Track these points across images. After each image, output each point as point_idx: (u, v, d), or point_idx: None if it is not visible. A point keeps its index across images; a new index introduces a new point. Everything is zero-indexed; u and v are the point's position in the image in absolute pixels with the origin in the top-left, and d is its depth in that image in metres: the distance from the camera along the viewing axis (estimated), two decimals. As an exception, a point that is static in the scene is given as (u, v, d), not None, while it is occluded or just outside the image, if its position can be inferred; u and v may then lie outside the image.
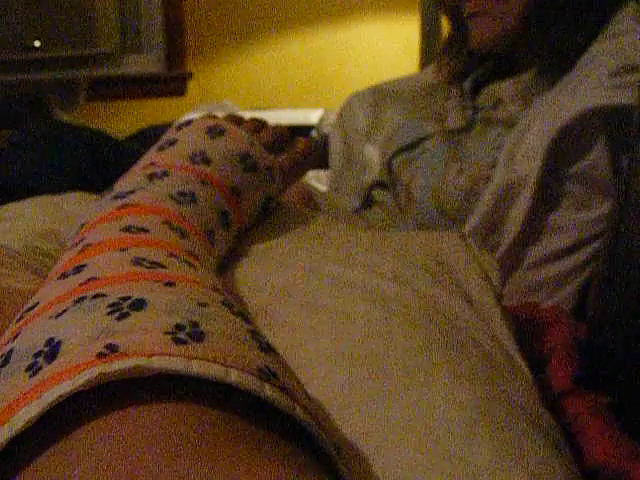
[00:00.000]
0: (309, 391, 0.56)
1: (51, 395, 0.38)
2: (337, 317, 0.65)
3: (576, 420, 0.69)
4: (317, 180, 1.82)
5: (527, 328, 0.91)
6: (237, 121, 0.96)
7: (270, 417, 0.41)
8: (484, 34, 1.39)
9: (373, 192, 1.54)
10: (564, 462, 0.52)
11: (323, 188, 1.73)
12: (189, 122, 0.92)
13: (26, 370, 0.41)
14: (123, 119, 3.87)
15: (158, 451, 0.36)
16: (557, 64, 1.32)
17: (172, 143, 0.88)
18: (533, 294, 1.23)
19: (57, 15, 3.92)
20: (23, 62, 4.01)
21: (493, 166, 1.28)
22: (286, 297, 0.70)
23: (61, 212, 0.98)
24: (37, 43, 3.94)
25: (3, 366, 0.43)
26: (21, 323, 0.48)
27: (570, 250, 1.22)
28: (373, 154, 1.56)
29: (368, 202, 1.55)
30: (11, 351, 0.44)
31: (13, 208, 1.00)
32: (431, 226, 1.35)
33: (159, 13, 4.04)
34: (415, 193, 1.39)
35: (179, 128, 0.92)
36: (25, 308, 0.52)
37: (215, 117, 0.94)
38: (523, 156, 1.23)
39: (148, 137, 0.98)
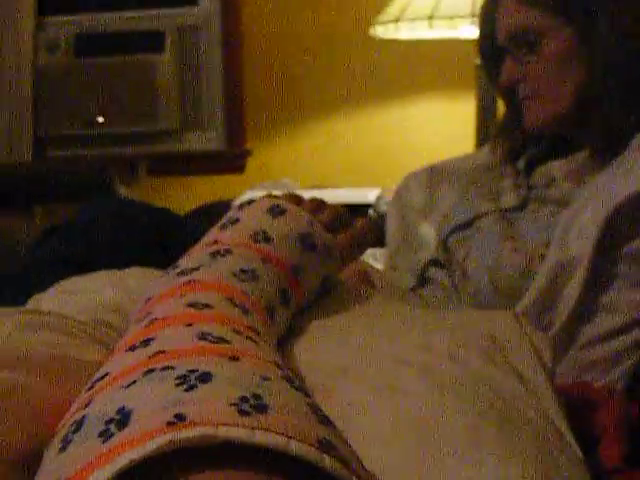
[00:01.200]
0: (368, 466, 0.58)
1: (123, 459, 0.40)
2: (393, 395, 0.66)
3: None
4: (374, 258, 1.84)
5: (578, 407, 0.91)
6: (297, 201, 0.98)
7: None
8: (538, 116, 1.42)
9: (429, 270, 1.55)
10: None
11: (380, 266, 1.75)
12: (251, 202, 0.95)
13: (99, 436, 0.43)
14: (182, 195, 3.92)
15: None
16: (610, 145, 1.34)
17: (234, 222, 0.91)
18: (586, 373, 1.23)
19: (120, 92, 4.01)
20: (86, 137, 4.09)
21: (547, 245, 1.29)
22: (343, 375, 0.71)
23: (126, 287, 1.00)
24: (100, 119, 4.02)
25: (76, 432, 0.45)
26: (92, 392, 0.51)
27: (623, 330, 1.22)
28: (429, 232, 1.58)
29: (424, 280, 1.56)
30: (83, 418, 0.46)
31: (77, 281, 1.03)
32: (486, 304, 1.36)
33: (219, 91, 4.11)
34: (470, 271, 1.41)
35: (241, 207, 0.94)
36: (95, 378, 0.54)
37: (276, 197, 0.96)
38: (577, 236, 1.24)
39: (208, 214, 1.02)
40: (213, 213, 1.09)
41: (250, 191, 2.66)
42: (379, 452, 0.60)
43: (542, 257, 1.29)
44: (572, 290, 1.23)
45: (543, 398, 0.70)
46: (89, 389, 0.53)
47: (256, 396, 0.46)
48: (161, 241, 1.35)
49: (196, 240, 0.92)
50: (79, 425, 0.46)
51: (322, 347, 0.80)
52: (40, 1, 4.02)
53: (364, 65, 3.96)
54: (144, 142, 4.13)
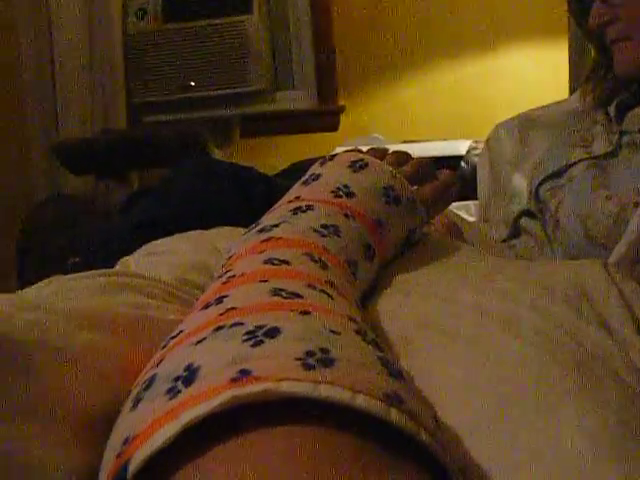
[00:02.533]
0: (442, 416, 0.57)
1: (188, 416, 0.40)
2: (472, 344, 0.66)
3: None
4: (466, 211, 1.83)
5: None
6: (380, 154, 0.97)
7: (399, 442, 0.42)
8: (628, 60, 1.38)
9: (521, 221, 1.53)
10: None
11: (472, 219, 1.73)
12: (333, 157, 0.94)
13: (166, 393, 0.44)
14: (277, 155, 3.93)
15: (288, 471, 0.38)
16: None
17: (316, 178, 0.91)
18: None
19: (210, 55, 4.03)
20: (179, 102, 4.13)
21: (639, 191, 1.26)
22: (424, 326, 0.71)
23: (212, 246, 1.01)
24: (192, 83, 4.05)
25: (146, 390, 0.46)
26: (165, 350, 0.51)
27: None
28: (521, 182, 1.56)
29: (516, 231, 1.54)
30: (154, 376, 0.47)
31: (164, 243, 1.04)
32: (579, 253, 1.33)
33: (310, 49, 4.11)
34: (563, 221, 1.38)
35: (323, 163, 0.94)
36: (170, 336, 0.55)
37: (358, 151, 0.96)
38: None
39: (298, 172, 1.01)
40: (303, 171, 1.09)
41: (340, 147, 2.65)
42: (457, 404, 0.59)
43: (637, 204, 1.26)
44: (667, 238, 1.20)
45: (631, 350, 0.68)
46: (163, 347, 0.53)
47: (323, 350, 0.46)
48: (250, 200, 1.35)
49: (284, 198, 0.92)
50: (149, 383, 0.47)
51: (406, 299, 0.79)
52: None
53: (455, 16, 3.92)
54: (236, 104, 4.15)
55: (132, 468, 0.40)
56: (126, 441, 0.43)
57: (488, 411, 0.57)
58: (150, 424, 0.42)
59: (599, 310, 0.73)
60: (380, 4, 4.03)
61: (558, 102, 1.75)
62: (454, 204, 1.78)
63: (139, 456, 0.40)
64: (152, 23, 4.09)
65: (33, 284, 0.79)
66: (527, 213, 1.52)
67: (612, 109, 1.50)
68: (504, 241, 1.53)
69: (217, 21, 4.02)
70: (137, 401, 0.46)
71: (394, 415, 0.42)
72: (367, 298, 0.82)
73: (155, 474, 0.41)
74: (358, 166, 0.91)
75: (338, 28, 4.11)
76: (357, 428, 0.42)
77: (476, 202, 1.78)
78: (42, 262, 2.41)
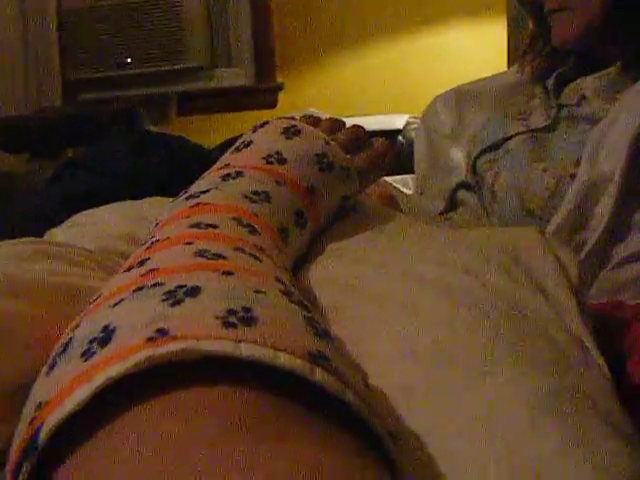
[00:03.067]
0: (374, 384, 0.56)
1: (100, 378, 0.39)
2: (403, 310, 0.65)
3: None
4: (404, 185, 1.81)
5: (610, 325, 0.89)
6: (314, 122, 0.96)
7: (325, 402, 0.41)
8: (566, 30, 1.37)
9: (458, 194, 1.53)
10: (634, 457, 0.51)
11: (409, 192, 1.72)
12: (265, 123, 0.93)
13: (81, 356, 0.42)
14: (215, 133, 3.89)
15: (203, 433, 0.37)
16: (640, 58, 1.31)
17: (247, 144, 0.89)
18: (620, 292, 1.20)
19: (147, 32, 3.98)
20: (115, 79, 4.08)
21: (577, 164, 1.26)
22: (355, 292, 0.70)
23: (140, 216, 0.99)
24: (128, 60, 4.00)
25: (62, 354, 0.44)
26: (83, 314, 0.49)
27: (657, 248, 1.19)
28: (458, 155, 1.55)
29: (454, 204, 1.54)
30: (70, 339, 0.45)
31: (91, 214, 1.02)
32: (516, 226, 1.33)
33: (248, 26, 4.07)
34: (499, 193, 1.38)
35: (255, 130, 0.92)
36: (90, 301, 0.53)
37: (292, 118, 0.94)
38: (607, 153, 1.21)
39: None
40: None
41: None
42: (390, 370, 0.58)
43: (573, 176, 1.26)
44: (604, 208, 1.19)
45: (566, 313, 0.67)
46: (81, 312, 0.51)
47: (245, 309, 0.44)
48: (183, 170, 1.33)
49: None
50: (65, 347, 0.45)
51: (337, 266, 0.78)
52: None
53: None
54: (174, 81, 4.11)
55: (43, 434, 0.39)
56: (39, 407, 0.41)
57: (423, 376, 0.56)
58: (63, 387, 0.40)
59: (535, 275, 0.73)
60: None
61: (496, 75, 1.74)
62: (392, 177, 1.77)
63: (51, 421, 0.39)
64: (88, -1, 4.04)
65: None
66: (464, 186, 1.52)
67: (550, 82, 1.50)
68: (441, 214, 1.52)
69: (153, -4, 3.98)
70: (52, 365, 0.44)
71: (318, 374, 0.40)
72: (299, 266, 0.80)
73: (69, 439, 0.39)
74: (291, 132, 0.89)
75: (276, 4, 4.09)
76: (279, 388, 0.40)
77: (414, 176, 1.77)
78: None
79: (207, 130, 4.04)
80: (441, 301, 0.65)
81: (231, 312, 0.43)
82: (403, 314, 0.64)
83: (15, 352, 0.57)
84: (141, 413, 0.39)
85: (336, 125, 0.98)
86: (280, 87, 4.14)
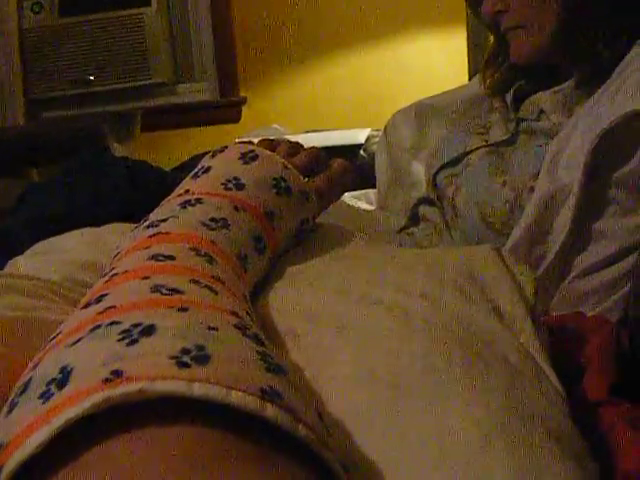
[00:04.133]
0: (331, 409, 0.57)
1: (58, 420, 0.39)
2: (360, 336, 0.66)
3: (610, 430, 0.68)
4: (366, 199, 1.82)
5: (569, 338, 0.90)
6: (271, 146, 0.97)
7: (277, 437, 0.42)
8: (522, 48, 1.40)
9: (420, 209, 1.54)
10: (585, 475, 0.52)
11: (371, 207, 1.73)
12: (223, 149, 0.94)
13: (39, 397, 0.43)
14: (180, 148, 3.91)
15: (156, 470, 0.38)
16: (595, 73, 1.32)
17: (206, 170, 0.90)
18: (582, 303, 1.22)
19: (109, 49, 3.98)
20: (78, 96, 4.07)
21: (536, 177, 1.27)
22: (315, 318, 0.71)
23: (102, 243, 0.99)
24: (91, 77, 4.00)
25: (21, 394, 0.45)
26: (42, 353, 0.50)
27: (617, 257, 1.20)
28: (419, 170, 1.56)
29: (415, 219, 1.54)
30: (30, 380, 0.46)
31: (53, 241, 1.03)
32: (477, 241, 1.34)
33: (210, 41, 4.08)
34: (460, 208, 1.39)
35: (213, 155, 0.93)
36: (50, 338, 0.53)
37: (249, 143, 0.95)
38: (566, 164, 1.22)
39: (195, 166, 1.00)
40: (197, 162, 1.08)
41: (240, 140, 2.64)
42: (346, 397, 0.59)
43: (532, 190, 1.27)
44: (564, 219, 1.21)
45: (521, 332, 0.69)
46: (41, 350, 0.52)
47: (199, 347, 0.45)
48: (143, 194, 1.33)
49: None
50: (25, 387, 0.46)
51: (296, 292, 0.79)
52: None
53: (355, 5, 3.94)
54: (137, 97, 4.11)
55: (4, 476, 0.39)
56: None
57: (378, 403, 0.57)
58: (23, 429, 0.41)
59: (490, 295, 0.74)
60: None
61: (455, 89, 1.76)
62: (353, 193, 1.78)
63: (11, 464, 0.39)
64: (48, 17, 4.02)
65: None
66: (426, 200, 1.53)
67: (509, 96, 1.51)
68: (403, 229, 1.53)
69: (115, 14, 3.97)
70: (12, 406, 0.45)
71: (269, 410, 0.42)
72: (259, 290, 0.81)
73: None
74: (249, 157, 0.90)
75: (238, 19, 4.09)
76: (232, 426, 0.41)
77: (375, 190, 1.78)
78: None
79: (172, 145, 4.04)
80: (398, 327, 0.66)
81: (185, 351, 0.44)
82: (361, 340, 0.65)
83: None
84: (99, 452, 0.39)
85: (294, 148, 0.99)
86: (243, 101, 4.15)
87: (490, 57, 1.60)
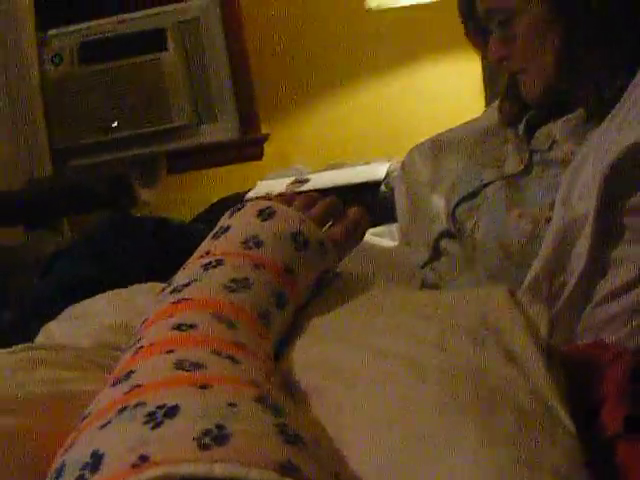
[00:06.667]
0: (352, 466, 0.59)
1: None
2: (380, 392, 0.68)
3: (624, 469, 0.69)
4: (390, 235, 1.84)
5: (589, 370, 0.91)
6: (287, 200, 0.99)
7: None
8: (531, 90, 1.43)
9: (442, 243, 1.55)
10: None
11: (394, 244, 1.75)
12: (241, 207, 0.96)
13: None
14: (204, 189, 3.93)
15: None
16: (603, 101, 1.34)
17: (225, 230, 0.92)
18: (604, 329, 1.22)
19: (130, 94, 4.01)
20: (103, 143, 4.10)
21: (552, 207, 1.29)
22: (336, 374, 0.73)
23: (132, 305, 1.02)
24: (114, 124, 4.03)
25: (57, 479, 0.47)
26: (75, 434, 0.52)
27: (637, 282, 1.22)
28: (438, 204, 1.58)
29: (437, 253, 1.56)
30: (63, 464, 0.48)
31: (84, 305, 1.05)
32: (499, 273, 1.36)
33: (228, 80, 4.09)
34: (480, 241, 1.41)
35: (232, 214, 0.95)
36: (81, 417, 0.56)
37: (265, 199, 0.97)
38: (580, 194, 1.24)
39: (218, 213, 1.02)
40: (222, 211, 1.10)
41: (263, 182, 2.67)
42: (364, 452, 0.61)
43: (548, 220, 1.29)
44: (581, 248, 1.22)
45: (534, 376, 0.70)
46: (76, 429, 0.54)
47: (219, 427, 0.47)
48: (164, 251, 1.36)
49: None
50: (59, 473, 0.48)
51: (318, 347, 0.81)
52: (39, 16, 4.02)
53: (371, 36, 3.95)
54: (161, 141, 4.13)
55: None
56: None
57: (395, 461, 0.59)
58: None
59: (504, 340, 0.75)
60: (294, 29, 4.04)
61: (470, 121, 1.78)
62: (375, 229, 1.80)
63: None
64: (69, 67, 4.06)
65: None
66: (446, 234, 1.54)
67: (521, 127, 1.53)
68: (425, 264, 1.55)
69: (133, 59, 4.00)
70: None
71: None
72: (284, 344, 0.83)
73: None
74: (266, 214, 0.92)
75: (255, 57, 4.12)
76: None
77: (397, 225, 1.79)
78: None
79: (197, 186, 4.07)
80: (413, 380, 0.68)
81: (206, 432, 0.46)
82: (377, 394, 0.67)
83: (15, 469, 0.59)
84: None
85: (310, 200, 1.00)
86: (265, 138, 4.17)
87: (506, 91, 1.62)
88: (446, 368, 0.69)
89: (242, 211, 0.95)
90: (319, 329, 0.86)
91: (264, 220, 0.91)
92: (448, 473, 0.56)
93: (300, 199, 1.00)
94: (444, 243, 1.55)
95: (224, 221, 0.95)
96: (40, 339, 0.99)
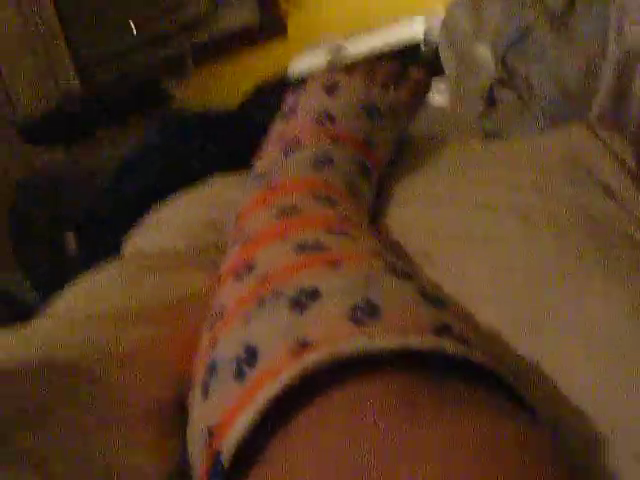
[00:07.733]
0: (478, 321, 0.59)
1: (262, 398, 0.42)
2: (489, 244, 0.67)
3: None
4: (438, 90, 1.81)
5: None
6: (349, 70, 0.97)
7: (452, 366, 0.44)
8: None
9: (494, 91, 1.53)
10: None
11: (442, 97, 1.73)
12: (301, 85, 0.94)
13: (234, 378, 0.45)
14: (234, 75, 3.90)
15: (371, 426, 0.39)
16: None
17: (294, 110, 0.91)
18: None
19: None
20: (124, 47, 4.06)
21: (605, 40, 1.26)
22: (437, 235, 0.72)
23: (211, 199, 1.01)
24: (132, 25, 3.99)
25: (212, 377, 0.48)
26: (214, 332, 0.53)
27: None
28: (485, 53, 1.55)
29: (492, 102, 1.54)
30: (214, 362, 0.48)
31: (165, 209, 1.03)
32: (558, 112, 1.34)
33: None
34: (535, 84, 1.39)
35: (294, 93, 0.94)
36: (212, 314, 0.56)
37: (327, 73, 0.95)
38: (632, 25, 1.21)
39: (265, 96, 1.00)
40: (269, 94, 1.07)
41: (297, 59, 2.63)
42: (487, 311, 0.61)
43: (602, 54, 1.26)
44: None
45: (635, 208, 0.69)
46: (210, 328, 0.54)
47: (366, 300, 0.47)
48: (222, 142, 1.35)
49: (256, 131, 0.93)
50: (212, 369, 0.48)
51: (411, 210, 0.80)
52: None
53: None
54: (180, 36, 4.09)
55: (225, 458, 0.42)
56: (210, 432, 0.44)
57: (519, 312, 0.59)
58: (229, 412, 0.43)
59: (597, 176, 0.74)
60: None
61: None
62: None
63: (229, 446, 0.42)
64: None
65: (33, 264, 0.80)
66: (499, 82, 1.52)
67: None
68: (482, 114, 1.53)
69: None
70: (206, 389, 0.48)
71: (447, 345, 0.43)
72: (373, 215, 0.83)
73: (247, 455, 0.42)
74: (331, 89, 0.90)
75: None
76: (421, 366, 0.43)
77: (439, 78, 1.76)
78: (35, 238, 2.41)
79: (226, 73, 4.03)
80: (523, 226, 0.67)
81: (356, 308, 0.46)
82: (490, 248, 0.67)
83: (165, 375, 0.60)
84: (307, 422, 0.42)
85: (371, 67, 0.99)
86: (286, 14, 4.11)
87: None
88: (554, 212, 0.68)
89: (306, 89, 0.93)
90: (404, 193, 0.85)
91: (331, 94, 0.90)
92: (582, 313, 0.56)
93: (360, 68, 0.98)
94: (497, 91, 1.53)
95: (289, 101, 0.93)
96: (137, 252, 0.98)
